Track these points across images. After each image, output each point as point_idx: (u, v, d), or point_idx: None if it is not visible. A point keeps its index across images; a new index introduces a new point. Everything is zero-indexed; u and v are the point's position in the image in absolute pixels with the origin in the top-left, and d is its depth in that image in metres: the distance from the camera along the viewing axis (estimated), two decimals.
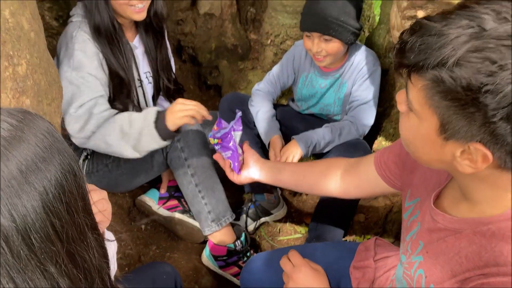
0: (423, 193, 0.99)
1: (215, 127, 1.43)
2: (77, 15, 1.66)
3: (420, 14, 1.06)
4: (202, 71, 2.60)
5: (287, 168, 1.41)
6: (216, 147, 1.40)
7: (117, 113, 1.62)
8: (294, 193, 2.13)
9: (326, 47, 1.77)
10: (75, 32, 1.61)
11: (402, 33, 0.73)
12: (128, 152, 1.60)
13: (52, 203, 0.66)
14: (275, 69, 2.08)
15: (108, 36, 1.63)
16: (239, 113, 1.44)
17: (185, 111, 1.54)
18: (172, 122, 1.54)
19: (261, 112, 2.00)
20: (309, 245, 1.64)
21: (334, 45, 1.77)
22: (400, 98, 0.81)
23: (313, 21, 1.74)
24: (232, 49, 2.54)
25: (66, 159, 0.69)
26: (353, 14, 1.73)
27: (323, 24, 1.71)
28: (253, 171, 1.41)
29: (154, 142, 1.57)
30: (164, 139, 1.57)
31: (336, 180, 1.30)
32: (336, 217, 1.77)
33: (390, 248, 1.27)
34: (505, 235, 0.75)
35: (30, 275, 0.65)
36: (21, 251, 0.63)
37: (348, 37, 1.75)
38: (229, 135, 1.38)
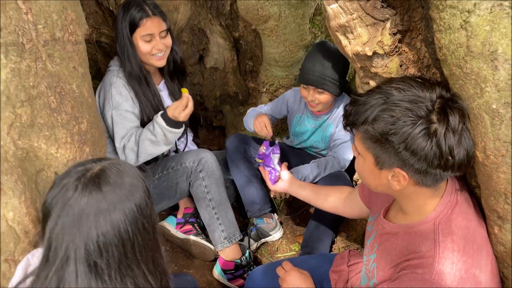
0: (379, 210, 1.36)
1: (261, 149, 2.05)
2: (114, 65, 2.08)
3: (372, 82, 1.44)
4: (209, 114, 2.98)
5: (308, 187, 1.87)
6: (260, 164, 2.02)
7: (138, 133, 2.03)
8: (289, 218, 2.48)
9: (319, 97, 2.14)
10: (113, 79, 2.02)
11: (345, 106, 1.13)
12: (165, 149, 2.07)
13: (141, 218, 1.02)
14: (270, 104, 2.46)
15: (138, 80, 2.05)
16: (277, 140, 2.06)
17: (178, 107, 1.98)
18: (172, 115, 1.98)
19: (250, 115, 2.38)
20: (298, 257, 2.00)
21: (326, 96, 2.13)
22: (353, 147, 1.19)
23: (311, 78, 2.09)
24: (234, 96, 2.93)
25: (143, 186, 1.05)
26: (341, 72, 2.10)
27: (318, 81, 2.07)
28: (285, 184, 1.91)
29: (174, 134, 2.01)
30: (178, 127, 2.02)
31: (340, 202, 1.73)
32: (323, 235, 2.12)
33: (360, 256, 1.61)
34: (423, 233, 1.11)
35: (132, 271, 1.00)
36: (129, 252, 0.99)
37: (336, 90, 2.11)
38: (268, 157, 1.98)
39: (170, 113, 1.98)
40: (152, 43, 2.00)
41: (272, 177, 1.95)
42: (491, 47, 0.93)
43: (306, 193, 1.85)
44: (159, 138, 1.96)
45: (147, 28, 1.97)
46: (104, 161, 1.07)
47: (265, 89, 2.79)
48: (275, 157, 1.99)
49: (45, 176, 1.38)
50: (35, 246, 1.33)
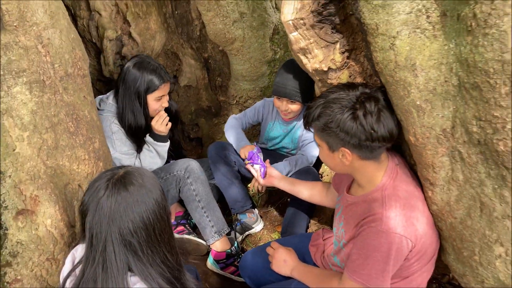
0: (343, 189, 1.71)
1: (247, 159, 2.33)
2: (108, 110, 2.33)
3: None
4: (185, 128, 3.27)
5: (297, 183, 2.15)
6: (248, 165, 2.29)
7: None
8: (267, 211, 2.80)
9: (291, 107, 2.45)
10: (113, 128, 2.29)
11: (305, 109, 1.50)
12: (159, 162, 2.44)
13: (159, 210, 1.30)
14: (248, 110, 2.76)
15: (138, 131, 2.35)
16: (257, 146, 2.34)
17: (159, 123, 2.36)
18: (157, 130, 2.36)
19: (233, 128, 2.68)
20: (282, 238, 2.33)
21: (297, 106, 2.44)
22: (316, 142, 1.55)
23: (285, 91, 2.38)
24: (207, 109, 3.23)
25: (159, 187, 1.35)
26: (309, 85, 2.36)
27: (291, 93, 2.37)
28: (275, 180, 2.20)
29: (162, 147, 2.38)
30: (164, 142, 2.40)
31: (323, 194, 2.05)
32: (299, 221, 2.45)
33: (331, 232, 1.96)
34: (375, 199, 1.47)
35: (156, 249, 1.28)
36: (152, 234, 1.27)
37: (306, 100, 2.42)
38: (256, 156, 2.28)
39: (155, 128, 2.32)
40: (161, 101, 2.34)
41: (262, 170, 2.25)
42: (411, 61, 1.30)
43: (297, 189, 2.14)
44: (152, 151, 2.27)
45: (161, 91, 2.31)
46: (126, 167, 1.36)
47: (235, 101, 3.11)
48: (261, 155, 2.32)
49: (71, 188, 1.65)
50: (69, 245, 1.59)
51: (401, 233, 1.40)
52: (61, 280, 1.36)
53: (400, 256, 1.44)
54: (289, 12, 1.61)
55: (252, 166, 2.29)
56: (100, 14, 2.50)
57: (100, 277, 1.24)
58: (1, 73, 1.53)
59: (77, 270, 1.35)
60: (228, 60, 3.01)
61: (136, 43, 2.56)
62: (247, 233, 2.63)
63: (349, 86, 1.48)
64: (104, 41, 2.51)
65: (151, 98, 2.32)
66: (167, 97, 2.40)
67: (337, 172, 1.63)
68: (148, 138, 2.38)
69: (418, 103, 1.33)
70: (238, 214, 2.64)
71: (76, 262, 1.37)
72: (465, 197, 1.40)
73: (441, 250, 1.64)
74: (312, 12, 1.55)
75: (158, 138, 2.37)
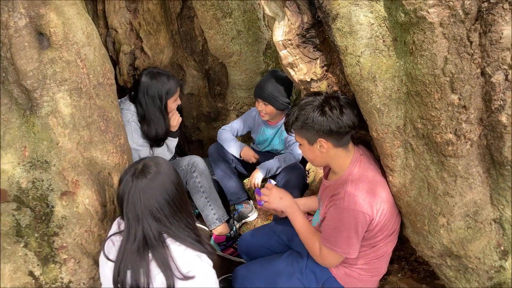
0: (322, 180, 2.08)
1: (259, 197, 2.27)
2: (126, 109, 2.67)
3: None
4: (188, 131, 3.62)
5: (305, 203, 2.35)
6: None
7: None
8: None
9: (265, 108, 2.85)
10: (130, 122, 2.62)
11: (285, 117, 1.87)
12: (168, 155, 2.76)
13: (176, 188, 1.66)
14: (236, 121, 3.14)
15: (161, 136, 2.70)
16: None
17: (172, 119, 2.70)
18: (172, 126, 2.72)
19: (227, 140, 3.03)
20: (274, 221, 2.67)
21: (270, 108, 2.83)
22: (298, 143, 1.92)
23: (261, 94, 2.79)
24: (207, 115, 3.59)
25: (173, 169, 1.70)
26: (283, 92, 2.80)
27: (265, 97, 2.77)
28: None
29: (174, 142, 2.75)
30: (175, 137, 2.76)
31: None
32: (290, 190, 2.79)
33: (311, 216, 2.33)
34: (342, 182, 1.83)
35: (179, 217, 1.62)
36: (173, 208, 1.61)
37: (278, 105, 2.81)
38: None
39: (171, 125, 2.67)
40: (176, 102, 2.71)
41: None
42: (372, 74, 1.67)
43: (306, 208, 2.36)
44: (164, 147, 2.64)
45: (177, 93, 2.67)
46: (144, 160, 1.70)
47: (232, 108, 3.48)
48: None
49: (103, 175, 2.00)
50: (102, 221, 1.94)
51: (359, 209, 1.76)
52: (107, 237, 1.70)
53: (360, 227, 1.79)
54: (279, 35, 1.98)
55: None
56: (116, 31, 2.86)
57: (141, 246, 1.57)
58: (47, 82, 1.89)
59: (114, 238, 1.69)
60: (226, 71, 3.38)
61: (148, 56, 2.91)
62: (243, 221, 2.99)
63: (316, 93, 1.88)
64: (120, 54, 2.87)
65: (170, 101, 2.66)
66: (178, 99, 2.75)
67: (317, 165, 2.00)
68: (168, 139, 2.73)
69: (378, 106, 1.71)
70: (235, 205, 3.00)
71: (121, 228, 1.69)
72: (416, 179, 1.78)
73: (402, 226, 2.01)
74: (297, 35, 1.93)
75: (170, 134, 2.71)
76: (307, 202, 2.38)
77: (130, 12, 2.86)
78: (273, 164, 2.89)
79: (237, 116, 3.47)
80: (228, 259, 2.74)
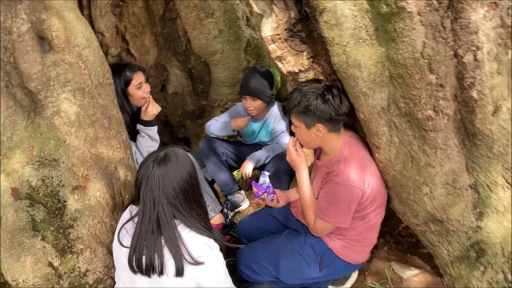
0: (314, 161, 2.25)
1: (257, 189, 2.45)
2: None
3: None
4: (174, 129, 3.73)
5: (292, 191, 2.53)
6: (262, 196, 2.42)
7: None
8: (251, 193, 3.31)
9: (254, 104, 3.01)
10: None
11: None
12: (153, 144, 2.78)
13: (191, 179, 1.77)
14: (222, 116, 3.26)
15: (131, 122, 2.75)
16: (263, 172, 2.49)
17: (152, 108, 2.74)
18: (148, 115, 2.74)
19: (216, 127, 3.14)
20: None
21: (258, 103, 3.00)
22: (292, 127, 2.08)
23: (247, 90, 2.94)
24: (192, 112, 3.70)
25: (191, 162, 1.82)
26: (268, 86, 2.97)
27: (253, 92, 2.93)
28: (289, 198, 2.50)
29: (151, 131, 2.74)
30: (153, 125, 2.77)
31: None
32: (281, 176, 2.95)
33: None
34: (335, 161, 2.00)
35: (192, 206, 1.73)
36: (188, 196, 1.73)
37: (265, 98, 2.98)
38: (271, 191, 2.42)
39: (147, 113, 2.73)
40: (142, 89, 2.71)
41: (271, 199, 2.42)
42: (357, 61, 1.84)
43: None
44: (145, 136, 2.73)
45: (137, 79, 2.68)
46: (167, 149, 1.82)
47: (216, 104, 3.61)
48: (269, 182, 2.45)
49: (110, 169, 2.10)
50: (113, 211, 2.04)
51: (353, 184, 1.94)
52: (119, 224, 1.80)
53: (352, 201, 1.97)
54: (268, 30, 2.14)
55: (268, 197, 2.42)
56: (103, 35, 2.94)
57: (155, 228, 1.69)
58: (51, 83, 1.98)
59: (127, 226, 1.79)
60: (208, 70, 3.52)
61: (134, 57, 3.02)
62: (236, 210, 3.12)
63: (316, 80, 2.04)
64: (107, 57, 2.95)
65: (132, 89, 2.68)
66: (146, 85, 2.75)
67: (310, 147, 2.17)
68: (138, 126, 2.74)
69: (364, 90, 1.89)
70: (228, 195, 3.13)
71: (133, 215, 1.80)
72: (401, 154, 1.97)
73: (389, 199, 2.20)
74: (285, 29, 2.08)
75: (146, 123, 2.74)
76: (295, 192, 2.55)
77: (115, 16, 2.95)
78: (261, 154, 3.04)
79: (222, 112, 3.59)
80: (227, 245, 2.86)
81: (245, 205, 3.15)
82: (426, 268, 2.46)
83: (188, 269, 1.64)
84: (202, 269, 1.65)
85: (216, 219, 2.86)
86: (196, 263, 1.64)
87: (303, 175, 2.15)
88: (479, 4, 1.59)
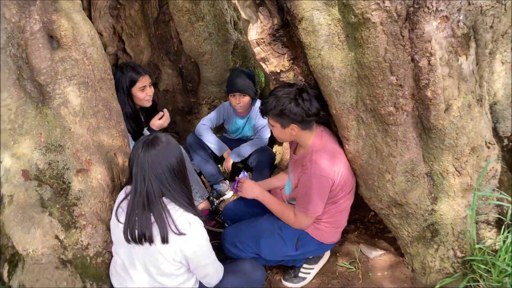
0: (290, 155, 2.51)
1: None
2: None
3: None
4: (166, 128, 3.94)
5: (270, 182, 2.75)
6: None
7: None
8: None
9: (243, 100, 3.25)
10: None
11: (260, 106, 2.28)
12: None
13: (179, 163, 2.01)
14: (212, 114, 3.51)
15: (132, 118, 2.95)
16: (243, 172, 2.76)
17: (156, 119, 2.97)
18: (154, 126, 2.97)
19: (210, 138, 3.41)
20: None
21: (247, 99, 3.26)
22: (269, 125, 2.32)
23: (237, 87, 3.18)
24: (182, 109, 3.93)
25: (180, 148, 2.06)
26: (253, 83, 3.24)
27: (241, 89, 3.18)
28: (257, 195, 2.57)
29: None
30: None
31: (286, 176, 2.68)
32: (262, 169, 3.22)
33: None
34: (307, 155, 2.25)
35: (177, 182, 1.97)
36: (175, 176, 1.96)
37: (252, 94, 3.26)
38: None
39: (152, 123, 2.97)
40: (145, 91, 2.91)
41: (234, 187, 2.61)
42: (330, 64, 2.10)
43: (270, 186, 2.73)
44: None
45: (141, 82, 2.87)
46: (157, 134, 2.05)
47: (204, 102, 3.85)
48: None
49: (110, 156, 2.32)
50: (112, 192, 2.25)
51: (324, 174, 2.19)
52: (116, 203, 2.02)
53: (325, 190, 2.23)
54: (253, 34, 2.39)
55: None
56: (101, 35, 3.15)
57: (145, 201, 1.92)
58: (59, 77, 2.19)
59: (124, 203, 2.01)
60: (197, 70, 3.75)
61: (130, 56, 3.23)
62: (221, 198, 3.37)
63: (289, 85, 2.29)
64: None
65: (135, 90, 2.88)
66: (150, 88, 2.95)
67: (285, 141, 2.43)
68: (145, 131, 3.01)
69: (336, 89, 2.15)
70: (214, 185, 3.37)
71: (127, 192, 2.03)
72: (367, 145, 2.24)
73: (357, 186, 2.47)
74: (269, 34, 2.34)
75: (152, 131, 3.00)
76: (272, 181, 2.79)
77: (113, 18, 3.17)
78: (243, 149, 3.30)
79: (209, 109, 3.84)
80: (211, 230, 3.10)
81: (229, 194, 3.40)
82: (390, 250, 2.73)
83: (173, 238, 1.87)
84: (184, 239, 1.88)
85: (202, 205, 3.10)
86: (180, 233, 1.86)
87: (268, 202, 2.45)
88: (432, 18, 1.86)
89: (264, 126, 3.35)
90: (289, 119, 2.19)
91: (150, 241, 1.87)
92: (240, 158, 3.33)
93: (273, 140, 3.55)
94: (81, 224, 2.12)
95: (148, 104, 2.97)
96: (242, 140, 3.50)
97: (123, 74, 2.86)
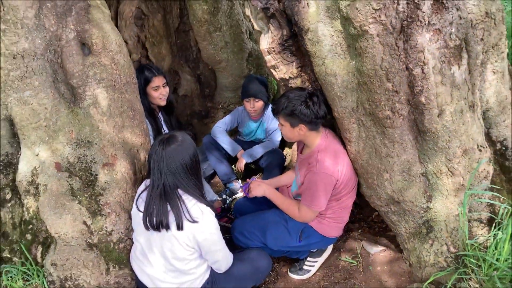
0: (298, 154, 2.70)
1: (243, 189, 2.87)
2: None
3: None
4: (183, 127, 4.17)
5: (278, 181, 2.92)
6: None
7: None
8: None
9: (257, 104, 3.44)
10: None
11: (272, 105, 2.48)
12: None
13: (193, 159, 2.21)
14: (227, 117, 3.72)
15: (148, 113, 3.18)
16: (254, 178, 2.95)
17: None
18: None
19: (224, 140, 3.62)
20: None
21: (260, 103, 3.45)
22: (279, 125, 2.51)
23: (251, 92, 3.37)
24: (199, 113, 4.16)
25: (194, 146, 2.26)
26: (265, 89, 3.44)
27: (255, 94, 3.37)
28: (265, 192, 2.79)
29: None
30: None
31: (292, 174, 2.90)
32: (273, 168, 3.40)
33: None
34: (313, 154, 2.42)
35: (190, 177, 2.18)
36: (188, 172, 2.18)
37: (265, 99, 3.46)
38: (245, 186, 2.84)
39: None
40: (159, 91, 3.10)
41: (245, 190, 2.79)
42: (334, 71, 2.29)
43: (279, 184, 2.89)
44: None
45: (155, 82, 3.07)
46: (174, 132, 2.26)
47: (220, 106, 4.07)
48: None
49: (133, 152, 2.54)
50: (134, 185, 2.48)
51: (328, 172, 2.36)
52: (137, 194, 2.24)
53: (329, 187, 2.40)
54: (265, 44, 2.60)
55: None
56: (127, 43, 3.41)
57: (162, 193, 2.12)
58: (89, 80, 2.43)
59: (144, 194, 2.23)
60: (214, 76, 3.98)
61: (152, 63, 3.48)
62: (234, 196, 3.56)
63: (300, 88, 2.49)
64: None
65: (149, 89, 3.07)
66: (164, 89, 3.10)
67: (293, 140, 2.61)
68: (164, 127, 3.23)
69: (338, 94, 2.34)
70: (227, 183, 3.58)
71: (147, 185, 2.24)
72: (367, 147, 2.42)
73: (359, 185, 2.64)
74: (278, 44, 2.55)
75: (170, 129, 3.24)
76: (280, 179, 2.97)
77: (138, 27, 3.42)
78: (255, 150, 3.50)
79: (224, 113, 4.05)
80: (223, 226, 3.30)
81: (241, 193, 3.60)
82: (390, 246, 2.89)
83: (187, 225, 2.07)
84: (197, 226, 2.08)
85: (216, 204, 3.30)
86: (193, 221, 2.07)
87: (275, 197, 2.63)
88: (425, 30, 2.04)
89: (276, 130, 3.54)
90: (299, 119, 2.37)
91: (167, 227, 2.08)
92: (252, 158, 3.52)
93: (283, 143, 3.75)
94: (106, 212, 2.35)
95: (162, 103, 3.14)
96: (255, 143, 3.70)
97: (140, 74, 3.04)
